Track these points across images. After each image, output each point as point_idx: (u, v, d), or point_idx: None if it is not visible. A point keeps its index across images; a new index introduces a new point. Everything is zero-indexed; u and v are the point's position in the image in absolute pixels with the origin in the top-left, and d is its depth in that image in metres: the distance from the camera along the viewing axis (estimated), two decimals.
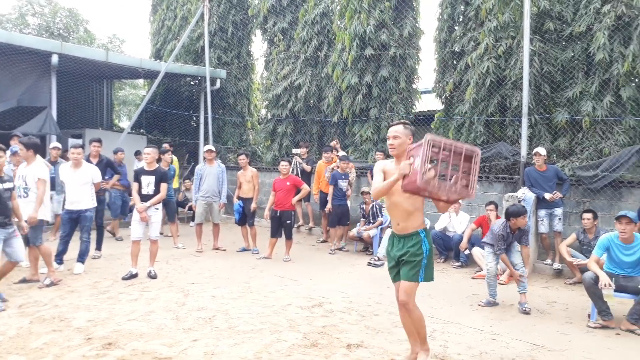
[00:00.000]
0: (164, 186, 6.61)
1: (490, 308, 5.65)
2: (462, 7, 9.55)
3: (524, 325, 5.05)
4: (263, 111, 14.30)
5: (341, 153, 9.79)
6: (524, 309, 5.51)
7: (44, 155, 8.51)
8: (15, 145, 7.35)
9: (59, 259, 6.79)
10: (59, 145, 9.02)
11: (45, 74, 10.46)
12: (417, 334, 3.79)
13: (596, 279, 5.02)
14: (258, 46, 33.36)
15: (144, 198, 6.54)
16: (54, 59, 10.04)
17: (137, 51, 51.56)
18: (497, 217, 7.66)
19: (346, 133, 11.24)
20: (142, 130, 15.85)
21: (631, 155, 7.31)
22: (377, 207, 8.88)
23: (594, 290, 5.04)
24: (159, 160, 7.71)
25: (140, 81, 19.81)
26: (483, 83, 8.78)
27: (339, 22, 10.99)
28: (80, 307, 5.23)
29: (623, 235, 5.11)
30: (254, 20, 13.44)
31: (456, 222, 8.26)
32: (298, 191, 8.03)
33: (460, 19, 9.64)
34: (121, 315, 5.00)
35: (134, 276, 6.51)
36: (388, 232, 8.30)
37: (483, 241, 6.24)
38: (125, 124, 20.64)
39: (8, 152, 7.12)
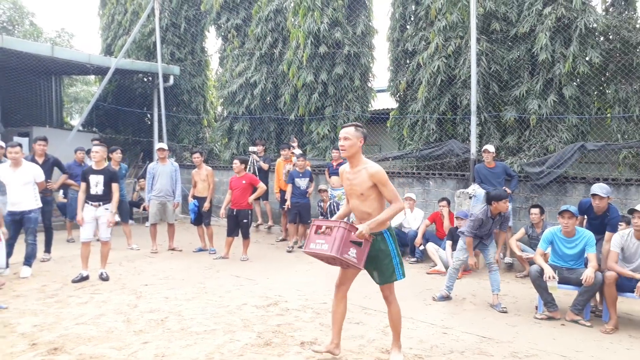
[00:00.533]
0: (115, 186, 6.42)
1: (444, 302, 5.79)
2: (414, 7, 9.72)
3: (475, 319, 5.21)
4: (219, 108, 14.10)
5: (297, 151, 9.79)
6: (500, 309, 5.48)
7: None
8: None
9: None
10: (3, 144, 8.62)
11: None
12: (393, 328, 3.95)
13: (541, 271, 5.22)
14: (212, 42, 32.79)
15: (93, 198, 6.34)
16: None
17: (87, 46, 49.82)
18: (450, 213, 7.89)
19: (303, 131, 11.25)
20: (94, 129, 15.35)
21: (574, 152, 7.66)
22: (335, 204, 8.94)
23: (539, 282, 5.26)
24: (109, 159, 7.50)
25: (92, 77, 19.16)
26: (434, 82, 8.98)
27: (293, 20, 10.97)
28: (26, 312, 5.04)
29: (565, 229, 5.34)
30: (207, 16, 13.23)
31: (411, 219, 8.41)
32: (255, 189, 7.97)
33: (412, 19, 9.81)
34: (69, 319, 4.85)
35: (84, 278, 6.32)
36: None
37: (459, 231, 6.16)
38: (77, 121, 19.93)
39: None
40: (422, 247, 7.89)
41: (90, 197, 6.36)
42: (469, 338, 4.59)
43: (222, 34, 12.94)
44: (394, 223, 8.48)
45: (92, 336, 4.38)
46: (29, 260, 6.56)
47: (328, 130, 10.62)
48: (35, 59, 10.82)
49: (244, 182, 7.87)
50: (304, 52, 10.55)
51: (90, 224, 6.37)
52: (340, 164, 9.10)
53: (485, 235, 5.75)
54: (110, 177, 6.41)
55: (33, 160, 7.33)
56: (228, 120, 12.59)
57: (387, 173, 10.55)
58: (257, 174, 9.71)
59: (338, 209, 8.83)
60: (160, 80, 12.21)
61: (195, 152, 8.61)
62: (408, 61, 9.91)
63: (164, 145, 8.69)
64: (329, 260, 3.67)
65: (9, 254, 6.49)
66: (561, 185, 7.92)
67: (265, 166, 10.05)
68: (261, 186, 8.01)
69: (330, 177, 9.23)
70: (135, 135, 14.21)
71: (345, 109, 10.58)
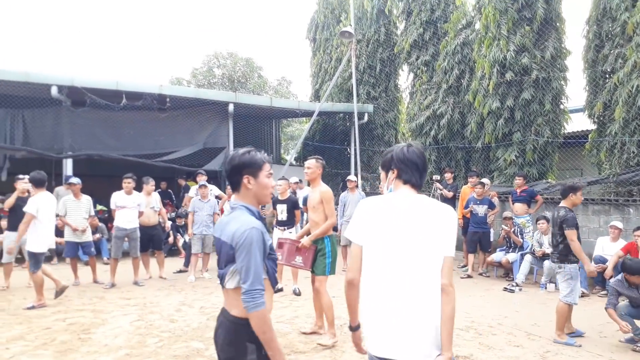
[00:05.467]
0: (297, 212, 7.78)
1: (623, 337, 5.41)
2: (610, 24, 9.13)
3: None
4: (410, 140, 14.91)
5: (485, 180, 9.78)
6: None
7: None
8: (201, 180, 9.12)
9: None
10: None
11: (224, 120, 12.59)
12: (325, 316, 5.06)
13: None
14: (404, 79, 34.12)
15: (280, 223, 7.68)
16: (230, 107, 12.12)
17: (302, 91, 56.19)
18: None
19: (490, 158, 11.28)
20: (305, 163, 17.60)
21: None
22: (518, 230, 8.83)
23: None
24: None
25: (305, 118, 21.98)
26: (633, 102, 8.30)
27: (478, 50, 11.21)
28: None
29: None
30: (400, 55, 14.27)
31: (613, 250, 7.73)
32: None
33: (609, 36, 9.21)
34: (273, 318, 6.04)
35: (279, 290, 7.53)
36: (528, 257, 8.26)
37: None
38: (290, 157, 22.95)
39: (194, 187, 8.98)
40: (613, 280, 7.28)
41: (277, 223, 7.73)
42: None
43: (413, 70, 13.80)
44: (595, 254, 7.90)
45: (287, 332, 5.47)
46: None
47: (515, 156, 10.46)
48: (259, 109, 13.26)
49: None
50: (489, 81, 10.69)
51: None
52: (524, 191, 8.98)
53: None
54: (293, 205, 7.72)
55: None
56: None
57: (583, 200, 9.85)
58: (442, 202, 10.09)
59: (522, 236, 8.72)
60: (355, 118, 13.60)
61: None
62: (606, 81, 9.31)
63: (353, 177, 9.80)
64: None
65: None
66: None
67: (448, 194, 10.31)
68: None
69: (513, 204, 9.14)
70: (337, 167, 15.89)
71: (534, 133, 10.32)
